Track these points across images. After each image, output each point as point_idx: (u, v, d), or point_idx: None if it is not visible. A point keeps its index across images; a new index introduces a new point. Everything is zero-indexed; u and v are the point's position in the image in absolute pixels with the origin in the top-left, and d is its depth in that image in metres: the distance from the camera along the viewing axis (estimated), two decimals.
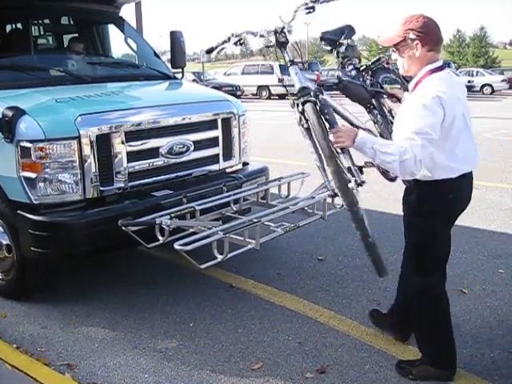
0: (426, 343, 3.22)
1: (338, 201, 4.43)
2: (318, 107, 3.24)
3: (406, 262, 3.45)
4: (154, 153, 4.08)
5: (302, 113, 3.28)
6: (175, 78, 5.34)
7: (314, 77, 3.49)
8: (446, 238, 3.13)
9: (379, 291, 4.32)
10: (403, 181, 3.21)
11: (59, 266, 4.42)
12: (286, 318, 3.88)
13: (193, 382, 3.15)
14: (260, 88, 29.69)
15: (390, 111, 3.89)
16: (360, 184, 3.22)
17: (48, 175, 3.68)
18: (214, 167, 4.34)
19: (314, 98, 3.23)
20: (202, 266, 3.53)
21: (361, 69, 3.81)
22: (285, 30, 3.33)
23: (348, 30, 3.80)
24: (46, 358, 3.40)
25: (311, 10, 3.33)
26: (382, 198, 7.12)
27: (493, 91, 34.19)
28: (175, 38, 5.53)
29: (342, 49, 3.74)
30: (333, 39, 3.53)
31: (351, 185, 3.22)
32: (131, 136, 3.89)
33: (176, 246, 3.37)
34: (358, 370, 3.25)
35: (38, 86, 4.41)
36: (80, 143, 3.73)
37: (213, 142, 4.45)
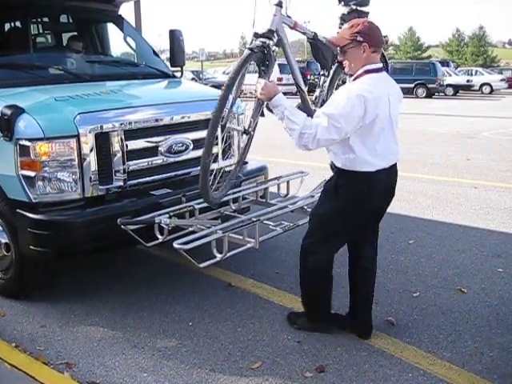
0: (303, 299, 3.65)
1: None
2: (257, 56, 3.39)
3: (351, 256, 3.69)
4: (153, 151, 4.08)
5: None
6: (174, 76, 5.33)
7: (291, 23, 3.61)
8: (350, 226, 3.41)
9: (378, 289, 4.28)
10: (331, 167, 3.55)
11: (58, 265, 4.42)
12: (285, 317, 3.87)
13: (192, 381, 3.15)
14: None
15: (341, 83, 4.13)
16: (244, 132, 3.64)
17: (47, 174, 3.67)
18: (213, 166, 4.32)
19: (256, 49, 3.37)
20: (201, 265, 3.54)
21: None
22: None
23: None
24: (45, 356, 3.39)
25: None
26: None
27: (492, 90, 34.24)
28: (174, 37, 5.52)
29: (345, 10, 3.95)
30: (316, 45, 3.82)
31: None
32: (130, 135, 3.89)
33: (175, 244, 3.37)
34: (357, 370, 3.25)
35: (37, 84, 4.41)
36: (79, 142, 3.72)
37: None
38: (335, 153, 3.29)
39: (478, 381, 3.13)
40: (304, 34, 3.83)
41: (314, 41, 3.87)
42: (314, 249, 3.45)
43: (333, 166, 3.44)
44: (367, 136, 3.14)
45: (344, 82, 4.07)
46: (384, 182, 3.30)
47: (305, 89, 3.93)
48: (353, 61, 3.19)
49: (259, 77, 3.42)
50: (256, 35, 3.41)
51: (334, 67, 4.09)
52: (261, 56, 3.42)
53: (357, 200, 3.27)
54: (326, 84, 4.09)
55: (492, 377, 3.16)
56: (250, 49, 3.37)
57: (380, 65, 3.23)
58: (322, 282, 3.55)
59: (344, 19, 3.93)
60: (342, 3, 3.93)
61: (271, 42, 3.41)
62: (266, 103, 3.32)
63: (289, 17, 3.61)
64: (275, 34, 3.46)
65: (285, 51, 3.72)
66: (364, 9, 4.05)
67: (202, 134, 4.35)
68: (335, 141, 3.13)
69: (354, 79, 3.21)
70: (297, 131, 3.08)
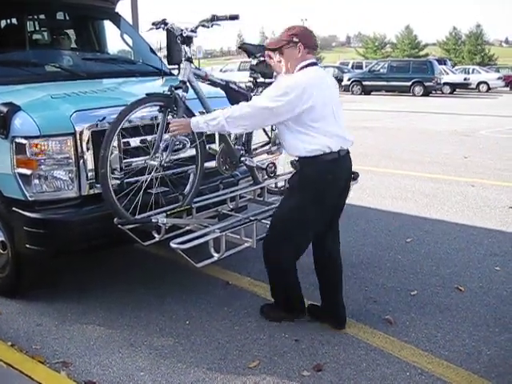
0: (272, 292, 3.77)
1: None
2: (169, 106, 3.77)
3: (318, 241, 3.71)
4: (150, 149, 4.05)
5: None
6: (171, 74, 5.30)
7: (202, 74, 4.04)
8: (316, 220, 3.48)
9: (376, 288, 4.31)
10: (292, 165, 3.60)
11: (54, 264, 4.40)
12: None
13: (189, 380, 3.14)
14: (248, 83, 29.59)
15: None
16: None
17: (43, 172, 3.65)
18: (211, 164, 4.31)
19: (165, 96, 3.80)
20: (199, 265, 3.53)
21: (258, 83, 4.43)
22: (183, 33, 3.89)
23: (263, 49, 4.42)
24: (42, 355, 3.38)
25: (209, 27, 3.94)
26: (380, 196, 7.13)
27: (489, 89, 34.27)
28: (172, 36, 5.49)
29: (254, 62, 4.37)
30: (250, 51, 4.29)
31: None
32: (127, 132, 3.86)
33: (172, 244, 3.36)
34: (354, 368, 3.24)
35: (33, 81, 4.38)
36: (75, 139, 3.69)
37: (210, 139, 4.42)
38: (294, 145, 3.41)
39: (476, 379, 3.12)
40: (215, 83, 4.17)
41: (226, 88, 4.20)
42: (276, 247, 3.52)
43: (294, 162, 3.53)
44: (315, 119, 3.30)
45: None
46: (344, 164, 3.51)
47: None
48: (289, 60, 3.43)
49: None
50: (171, 86, 3.80)
51: None
52: (170, 101, 3.77)
53: (323, 188, 3.38)
54: None
55: (490, 375, 3.15)
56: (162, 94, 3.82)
57: (314, 60, 3.46)
58: (286, 279, 3.69)
59: (254, 69, 4.43)
60: (252, 57, 4.34)
61: (180, 91, 3.78)
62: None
63: (199, 69, 4.12)
64: (188, 84, 3.88)
65: (198, 95, 4.06)
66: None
67: None
68: (271, 112, 3.29)
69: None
70: (222, 120, 3.37)
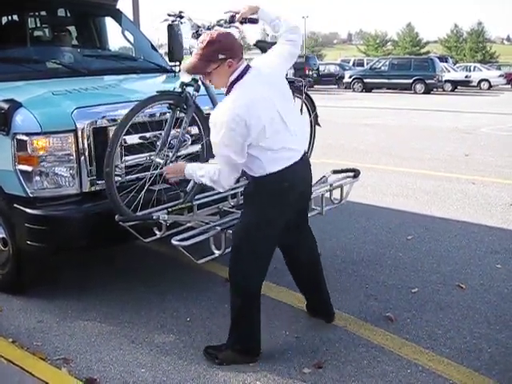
0: (232, 328, 3.31)
1: (337, 196, 4.45)
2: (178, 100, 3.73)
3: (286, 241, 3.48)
4: (151, 146, 4.05)
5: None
6: (173, 71, 5.30)
7: None
8: (276, 231, 3.19)
9: (377, 285, 4.31)
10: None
11: (55, 260, 4.40)
12: (282, 313, 3.87)
13: (189, 377, 3.14)
14: None
15: None
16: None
17: (44, 168, 3.65)
18: (212, 161, 4.30)
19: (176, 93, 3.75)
20: (199, 261, 3.53)
21: None
22: (199, 30, 3.80)
23: None
24: (42, 352, 3.38)
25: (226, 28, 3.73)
26: (381, 194, 7.13)
27: (490, 86, 34.20)
28: (173, 31, 5.49)
29: None
30: (265, 49, 3.79)
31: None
32: (128, 129, 3.86)
33: (173, 241, 3.35)
34: (355, 366, 3.24)
35: (35, 78, 4.38)
36: (77, 136, 3.69)
37: None
38: (249, 168, 3.08)
39: (477, 377, 3.12)
40: None
41: None
42: (243, 268, 3.20)
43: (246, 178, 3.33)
44: (263, 141, 2.94)
45: None
46: (301, 169, 3.15)
47: None
48: (220, 79, 2.99)
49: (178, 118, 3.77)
50: (182, 84, 3.75)
51: None
52: (180, 100, 3.74)
53: (280, 200, 3.07)
54: None
55: (490, 373, 3.15)
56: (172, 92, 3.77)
57: (243, 65, 2.96)
58: (252, 305, 3.28)
59: None
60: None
61: (192, 89, 3.76)
62: None
63: None
64: (200, 82, 3.80)
65: (209, 94, 4.04)
66: None
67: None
68: (241, 166, 3.01)
69: (226, 94, 3.00)
70: (209, 182, 3.11)
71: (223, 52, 2.88)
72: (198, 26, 3.83)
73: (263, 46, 4.24)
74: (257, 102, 2.89)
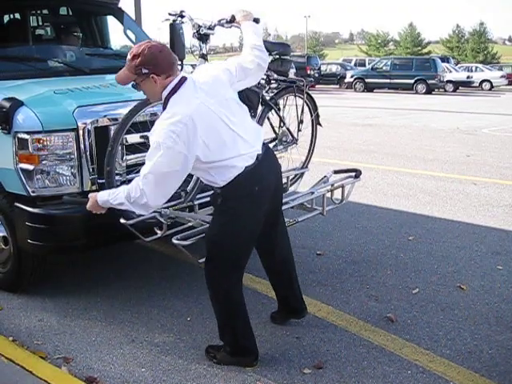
0: (221, 332, 3.27)
1: (338, 196, 4.44)
2: None
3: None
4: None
5: None
6: None
7: None
8: (252, 236, 3.14)
9: (377, 286, 4.31)
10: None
11: (56, 259, 4.40)
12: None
13: (190, 377, 3.14)
14: (260, 80, 29.53)
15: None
16: None
17: (45, 167, 3.65)
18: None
19: None
20: (200, 261, 3.51)
21: (271, 80, 4.35)
22: (200, 30, 3.84)
23: (283, 48, 4.44)
24: (43, 351, 3.38)
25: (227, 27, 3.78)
26: (382, 194, 7.12)
27: (492, 87, 34.20)
28: (174, 31, 5.48)
29: (268, 59, 4.10)
30: (267, 48, 3.69)
31: None
32: (129, 128, 3.86)
33: (174, 240, 3.35)
34: (355, 366, 3.24)
35: (36, 77, 4.38)
36: (78, 135, 3.70)
37: None
38: (210, 180, 3.01)
39: (477, 378, 3.12)
40: None
41: None
42: (222, 278, 3.14)
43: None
44: (209, 156, 2.87)
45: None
46: (266, 168, 3.06)
47: None
48: (150, 93, 2.94)
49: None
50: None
51: (260, 108, 4.33)
52: None
53: (249, 205, 3.00)
54: None
55: (491, 374, 3.15)
56: None
57: (177, 78, 2.87)
58: (236, 307, 3.24)
59: (268, 67, 4.08)
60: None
61: None
62: None
63: None
64: None
65: None
66: (287, 57, 4.41)
67: None
68: (206, 166, 2.91)
69: (164, 105, 2.90)
70: (127, 205, 2.89)
71: (146, 67, 2.80)
72: (199, 26, 3.83)
73: (265, 45, 4.21)
74: (193, 116, 2.77)
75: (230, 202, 2.98)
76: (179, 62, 3.13)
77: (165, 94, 2.87)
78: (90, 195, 3.09)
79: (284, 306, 3.70)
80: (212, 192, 3.18)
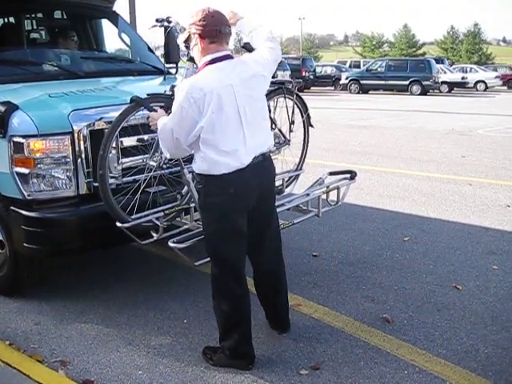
0: (223, 337, 3.26)
1: (333, 198, 4.45)
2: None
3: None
4: (148, 148, 4.05)
5: None
6: (169, 73, 5.31)
7: None
8: (235, 237, 3.10)
9: (373, 287, 4.32)
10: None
11: (52, 262, 4.40)
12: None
13: (187, 379, 3.14)
14: None
15: None
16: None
17: (41, 171, 3.65)
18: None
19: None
20: (197, 264, 3.52)
21: None
22: None
23: None
24: (40, 354, 3.38)
25: None
26: (378, 195, 7.13)
27: (486, 88, 34.31)
28: (169, 34, 5.49)
29: None
30: (252, 50, 3.68)
31: None
32: (125, 131, 3.86)
33: (170, 243, 3.35)
34: (352, 367, 3.24)
35: (31, 80, 4.38)
36: (73, 138, 3.70)
37: None
38: (194, 161, 3.05)
39: (473, 378, 3.13)
40: None
41: None
42: (227, 283, 3.18)
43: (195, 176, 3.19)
44: (210, 135, 2.88)
45: None
46: (252, 180, 3.02)
47: None
48: (194, 55, 3.04)
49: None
50: (173, 87, 3.73)
51: None
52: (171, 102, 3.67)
53: (229, 206, 2.98)
54: None
55: (487, 374, 3.16)
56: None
57: (223, 53, 2.94)
58: (243, 317, 3.25)
59: None
60: None
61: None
62: None
63: None
64: None
65: None
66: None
67: None
68: (202, 148, 2.92)
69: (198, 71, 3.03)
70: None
71: (195, 26, 2.92)
72: (185, 30, 3.85)
73: (251, 48, 4.26)
74: (217, 91, 2.82)
75: (211, 196, 3.00)
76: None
77: (206, 59, 2.94)
78: (159, 116, 3.18)
79: (267, 314, 3.62)
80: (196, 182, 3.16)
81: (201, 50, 2.94)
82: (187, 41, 3.01)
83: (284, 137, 4.70)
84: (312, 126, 5.11)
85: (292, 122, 4.74)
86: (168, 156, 3.20)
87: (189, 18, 2.95)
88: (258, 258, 3.41)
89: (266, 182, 3.19)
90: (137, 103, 3.61)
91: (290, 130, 4.77)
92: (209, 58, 2.92)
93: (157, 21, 4.02)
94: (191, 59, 3.81)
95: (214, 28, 2.92)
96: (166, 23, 3.99)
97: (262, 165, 3.08)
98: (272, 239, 3.41)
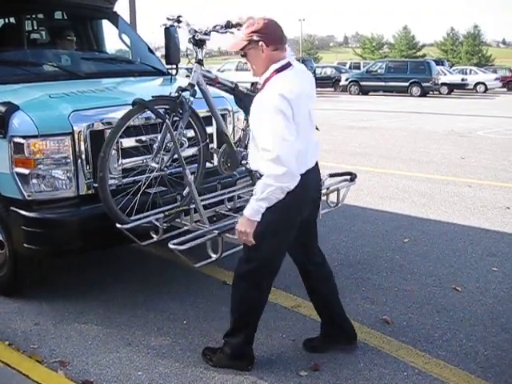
0: (232, 334, 3.25)
1: (333, 199, 4.45)
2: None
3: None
4: (147, 149, 4.06)
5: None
6: (169, 74, 5.31)
7: (212, 76, 4.00)
8: (289, 237, 3.12)
9: (373, 288, 4.32)
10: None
11: (52, 263, 4.39)
12: (279, 316, 3.87)
13: (186, 380, 3.14)
14: (254, 84, 29.61)
15: None
16: None
17: (41, 171, 3.65)
18: (209, 164, 4.31)
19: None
20: (196, 265, 3.52)
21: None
22: (196, 35, 3.86)
23: None
24: (39, 354, 3.38)
25: (222, 33, 3.86)
26: (377, 197, 7.14)
27: (486, 89, 34.32)
28: (169, 34, 5.50)
29: None
30: None
31: None
32: (125, 132, 3.87)
33: (170, 245, 3.35)
34: (351, 368, 3.25)
35: (32, 81, 4.38)
36: (73, 139, 3.70)
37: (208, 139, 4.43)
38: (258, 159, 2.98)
39: (473, 379, 3.13)
40: (225, 86, 4.12)
41: (234, 91, 4.15)
42: (257, 280, 3.14)
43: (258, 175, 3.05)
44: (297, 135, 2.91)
45: None
46: (313, 180, 3.14)
47: (228, 133, 4.26)
48: (254, 63, 3.04)
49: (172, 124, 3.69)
50: (179, 89, 3.74)
51: None
52: (176, 105, 3.73)
53: (292, 206, 2.97)
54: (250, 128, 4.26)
55: (487, 375, 3.17)
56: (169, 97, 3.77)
57: (286, 60, 3.02)
58: (256, 319, 3.26)
59: None
60: None
61: (187, 94, 3.75)
62: None
63: (209, 71, 4.02)
64: (196, 87, 3.84)
65: (207, 100, 4.04)
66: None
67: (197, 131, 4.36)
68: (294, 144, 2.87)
69: (264, 82, 3.01)
70: (273, 188, 2.82)
71: (258, 34, 2.93)
72: (195, 31, 3.85)
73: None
74: (298, 95, 2.91)
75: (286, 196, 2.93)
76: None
77: (275, 66, 2.97)
78: (240, 225, 2.97)
79: (330, 328, 3.47)
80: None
81: (264, 57, 2.98)
82: (244, 48, 3.01)
83: None
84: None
85: None
86: (297, 175, 2.91)
87: (247, 27, 2.99)
88: (309, 256, 3.42)
89: (320, 184, 3.37)
90: (140, 106, 3.61)
91: None
92: (278, 65, 2.98)
93: (168, 19, 4.01)
94: (199, 61, 3.83)
95: (278, 36, 3.01)
96: (176, 23, 3.97)
97: (317, 169, 3.22)
98: (315, 238, 3.48)
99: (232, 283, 3.26)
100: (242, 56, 3.09)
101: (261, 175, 2.96)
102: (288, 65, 3.02)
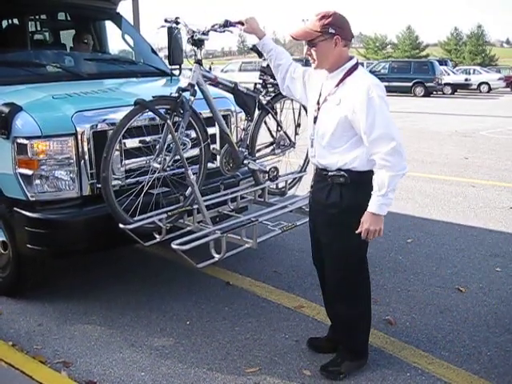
0: (348, 339, 3.25)
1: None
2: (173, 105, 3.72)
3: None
4: (151, 150, 4.06)
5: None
6: (173, 74, 5.31)
7: (212, 76, 4.02)
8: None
9: (376, 289, 4.30)
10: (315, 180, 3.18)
11: (55, 264, 4.40)
12: (282, 316, 3.87)
13: (189, 380, 3.14)
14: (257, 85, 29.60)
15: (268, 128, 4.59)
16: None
17: (44, 172, 3.65)
18: (212, 165, 4.31)
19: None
20: (199, 266, 3.52)
21: (267, 84, 4.36)
22: (194, 36, 3.87)
23: None
24: (42, 355, 3.38)
25: (220, 32, 3.87)
26: None
27: (490, 89, 34.25)
28: (172, 36, 5.50)
29: (264, 63, 4.16)
30: (260, 52, 3.66)
31: None
32: (128, 133, 3.87)
33: (173, 245, 3.35)
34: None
35: (35, 82, 4.39)
36: (77, 140, 3.70)
37: (210, 140, 4.43)
38: (340, 153, 2.93)
39: (476, 380, 3.13)
40: (224, 85, 4.14)
41: (234, 91, 4.16)
42: (366, 285, 3.24)
43: (340, 179, 2.97)
44: None
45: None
46: None
47: (230, 133, 4.29)
48: (323, 55, 2.91)
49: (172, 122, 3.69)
50: (179, 89, 3.75)
51: (257, 112, 4.37)
52: (176, 104, 3.72)
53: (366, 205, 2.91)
54: (251, 128, 4.33)
55: (490, 376, 3.16)
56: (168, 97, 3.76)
57: (355, 59, 2.99)
58: (369, 311, 3.28)
59: (264, 71, 4.29)
60: (263, 58, 3.91)
61: (188, 94, 3.77)
62: None
63: (209, 72, 4.03)
64: (196, 87, 3.85)
65: (207, 100, 4.03)
66: None
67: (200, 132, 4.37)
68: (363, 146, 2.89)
69: (343, 78, 2.91)
70: (394, 176, 2.86)
71: (334, 27, 2.84)
72: (194, 32, 3.86)
73: (258, 51, 4.25)
74: None
75: (366, 196, 2.90)
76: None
77: (350, 63, 2.92)
78: (366, 217, 2.92)
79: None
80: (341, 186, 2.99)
81: (335, 51, 2.88)
82: (315, 39, 2.88)
83: (289, 139, 4.69)
84: None
85: (298, 125, 4.74)
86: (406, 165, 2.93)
87: (321, 19, 2.85)
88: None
89: None
90: (141, 106, 3.61)
91: (296, 133, 4.76)
92: (354, 62, 2.94)
93: (166, 21, 4.02)
94: (198, 61, 3.84)
95: (351, 33, 2.95)
96: (174, 24, 3.98)
97: None
98: None
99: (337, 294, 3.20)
100: (310, 46, 2.94)
101: (327, 172, 2.96)
102: (358, 64, 2.97)
